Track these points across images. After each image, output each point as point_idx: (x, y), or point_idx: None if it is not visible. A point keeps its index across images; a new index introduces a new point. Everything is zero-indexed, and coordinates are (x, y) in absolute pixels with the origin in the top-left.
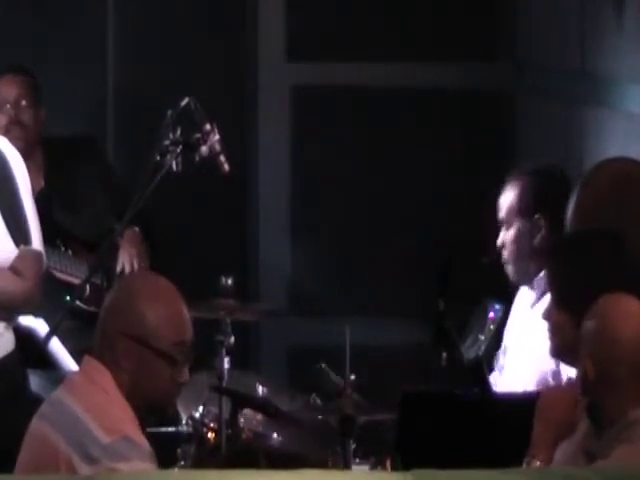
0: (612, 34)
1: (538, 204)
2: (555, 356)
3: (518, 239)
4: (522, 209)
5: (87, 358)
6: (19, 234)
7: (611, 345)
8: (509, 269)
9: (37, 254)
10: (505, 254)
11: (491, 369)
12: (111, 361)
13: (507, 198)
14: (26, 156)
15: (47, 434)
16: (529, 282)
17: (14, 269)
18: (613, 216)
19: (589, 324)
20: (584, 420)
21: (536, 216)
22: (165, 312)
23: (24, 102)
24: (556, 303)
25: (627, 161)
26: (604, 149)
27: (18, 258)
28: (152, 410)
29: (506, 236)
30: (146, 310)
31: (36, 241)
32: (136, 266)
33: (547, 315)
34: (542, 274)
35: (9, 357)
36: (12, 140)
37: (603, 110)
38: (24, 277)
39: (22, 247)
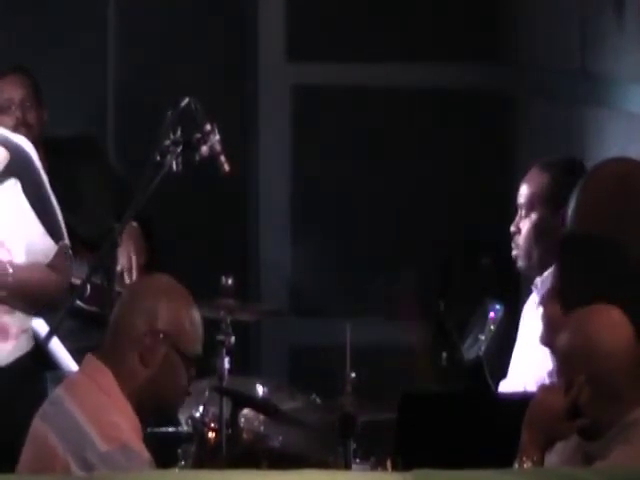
0: (612, 34)
1: (568, 198)
2: (545, 344)
3: (539, 226)
4: (550, 198)
5: (89, 357)
6: (55, 231)
7: (605, 360)
8: (519, 255)
9: (68, 247)
10: (519, 239)
11: (492, 369)
12: (124, 360)
13: (534, 183)
14: None
15: (47, 436)
16: (535, 272)
17: (53, 266)
18: (613, 216)
19: (572, 341)
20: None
21: (562, 210)
22: (196, 321)
23: (29, 103)
24: (554, 296)
25: (627, 161)
26: (604, 149)
27: (56, 255)
28: (160, 413)
29: (523, 221)
30: (184, 314)
31: (65, 234)
32: (134, 262)
33: (543, 302)
34: (546, 274)
35: (28, 356)
36: None
37: (603, 110)
38: (60, 273)
39: (61, 243)
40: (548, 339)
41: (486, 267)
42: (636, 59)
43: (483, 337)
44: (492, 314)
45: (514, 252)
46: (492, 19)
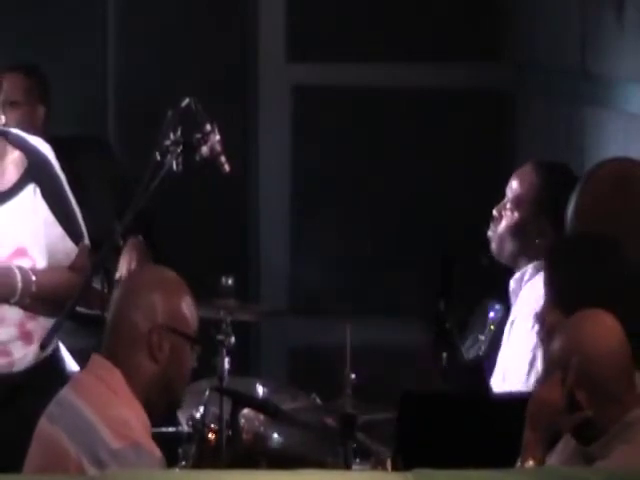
0: (612, 34)
1: (554, 208)
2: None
3: (518, 225)
4: (537, 202)
5: (94, 357)
6: (75, 233)
7: (598, 365)
8: (493, 239)
9: (88, 248)
10: (497, 225)
11: (491, 369)
12: (132, 358)
13: (526, 183)
14: None
15: (59, 438)
16: (505, 261)
17: (74, 267)
18: (613, 217)
19: (564, 347)
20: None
21: (543, 217)
22: (189, 300)
23: (16, 102)
24: (552, 303)
25: (627, 161)
26: (604, 149)
27: (77, 256)
28: (170, 404)
29: (506, 212)
30: (179, 300)
31: (85, 234)
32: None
33: (541, 316)
34: (519, 274)
35: (51, 357)
36: None
37: (603, 110)
38: (81, 273)
39: (81, 244)
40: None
41: (486, 267)
42: (636, 59)
43: (483, 337)
44: (492, 314)
45: (489, 233)
46: (492, 19)
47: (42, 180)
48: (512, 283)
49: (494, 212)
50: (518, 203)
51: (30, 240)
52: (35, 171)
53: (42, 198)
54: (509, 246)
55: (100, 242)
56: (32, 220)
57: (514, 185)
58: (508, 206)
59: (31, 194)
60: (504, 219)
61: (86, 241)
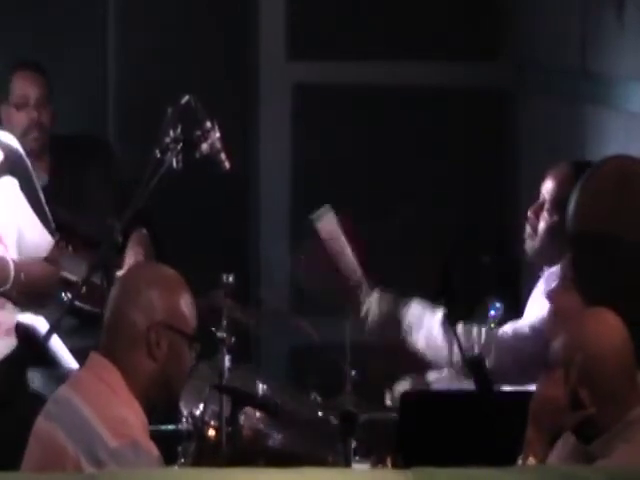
0: (613, 33)
1: None
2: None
3: (558, 228)
4: None
5: (93, 355)
6: (48, 225)
7: (600, 364)
8: (531, 237)
9: (55, 241)
10: (535, 224)
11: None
12: (130, 357)
13: (564, 187)
14: (39, 156)
15: (55, 435)
16: (541, 260)
17: (50, 260)
18: (614, 214)
19: (567, 345)
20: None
21: None
22: (188, 298)
23: (44, 102)
24: (569, 284)
25: (628, 159)
26: (605, 148)
27: (52, 249)
28: (169, 401)
29: (543, 215)
30: (177, 297)
31: (54, 227)
32: None
33: (552, 295)
34: (554, 269)
35: (14, 353)
36: (31, 141)
37: (604, 109)
38: (56, 266)
39: (55, 237)
40: (555, 332)
41: (486, 266)
42: (636, 58)
43: None
44: (492, 313)
45: (526, 238)
46: (492, 19)
47: (18, 173)
48: (546, 275)
49: (529, 213)
50: (557, 205)
51: (5, 228)
52: (11, 165)
53: (20, 191)
54: (548, 247)
55: (99, 241)
56: (10, 210)
57: (552, 186)
58: (547, 207)
59: (9, 185)
60: (542, 221)
61: (55, 235)
